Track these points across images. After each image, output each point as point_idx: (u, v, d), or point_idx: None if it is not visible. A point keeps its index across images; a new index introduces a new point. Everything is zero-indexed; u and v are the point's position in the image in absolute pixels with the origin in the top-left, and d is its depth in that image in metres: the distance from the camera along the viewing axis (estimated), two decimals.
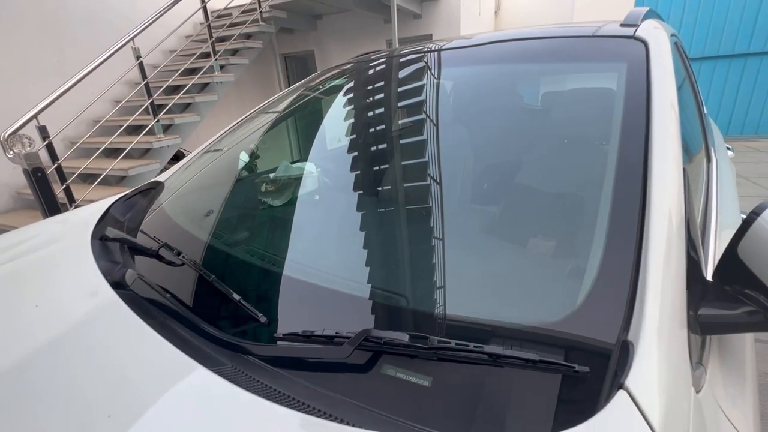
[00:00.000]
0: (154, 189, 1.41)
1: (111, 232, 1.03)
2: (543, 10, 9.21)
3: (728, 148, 1.88)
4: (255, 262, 0.77)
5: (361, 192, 1.03)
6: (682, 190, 0.62)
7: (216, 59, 4.11)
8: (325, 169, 1.34)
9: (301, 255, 0.77)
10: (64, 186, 2.82)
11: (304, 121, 1.88)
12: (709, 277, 0.59)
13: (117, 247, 0.99)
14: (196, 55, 4.28)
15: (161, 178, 1.50)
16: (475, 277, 0.66)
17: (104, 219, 1.21)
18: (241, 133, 1.60)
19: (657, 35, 0.91)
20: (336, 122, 1.52)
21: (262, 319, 0.58)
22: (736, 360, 0.56)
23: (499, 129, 1.05)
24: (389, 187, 1.03)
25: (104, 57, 3.04)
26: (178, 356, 0.53)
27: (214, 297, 0.67)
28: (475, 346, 0.45)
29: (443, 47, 1.46)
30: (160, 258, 0.83)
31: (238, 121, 1.66)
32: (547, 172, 0.83)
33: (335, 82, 1.66)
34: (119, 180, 3.48)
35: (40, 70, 3.68)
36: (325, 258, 0.77)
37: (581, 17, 7.87)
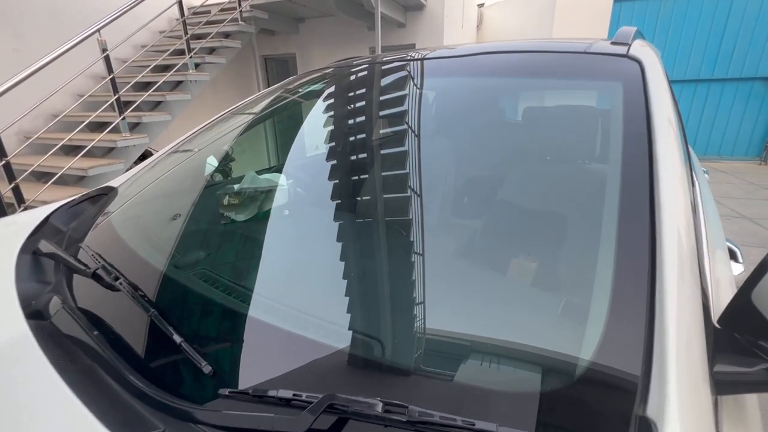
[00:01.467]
0: (105, 195, 1.27)
1: (44, 245, 0.89)
2: (522, 25, 9.46)
3: (704, 171, 1.91)
4: (206, 293, 0.66)
5: (336, 211, 0.93)
6: (692, 220, 0.57)
7: (191, 57, 3.93)
8: (297, 181, 1.24)
9: (262, 286, 0.67)
10: (13, 185, 2.58)
11: (277, 126, 1.77)
12: (715, 321, 0.53)
13: (50, 266, 0.86)
14: (168, 52, 4.08)
15: (115, 182, 1.36)
16: (469, 331, 0.57)
17: (42, 228, 1.07)
18: (209, 136, 1.48)
19: (649, 55, 0.88)
20: (312, 129, 1.43)
21: (206, 369, 0.48)
22: (754, 424, 0.51)
23: (487, 147, 0.99)
24: (367, 206, 0.95)
25: (66, 47, 2.82)
26: (87, 421, 0.42)
27: (151, 337, 0.56)
28: (463, 421, 0.37)
29: (427, 56, 1.40)
30: (98, 281, 0.71)
31: (206, 123, 1.54)
32: (543, 198, 0.77)
33: (313, 87, 1.57)
34: (78, 180, 3.23)
35: None
36: (289, 291, 0.67)
37: (560, 34, 8.11)
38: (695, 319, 0.46)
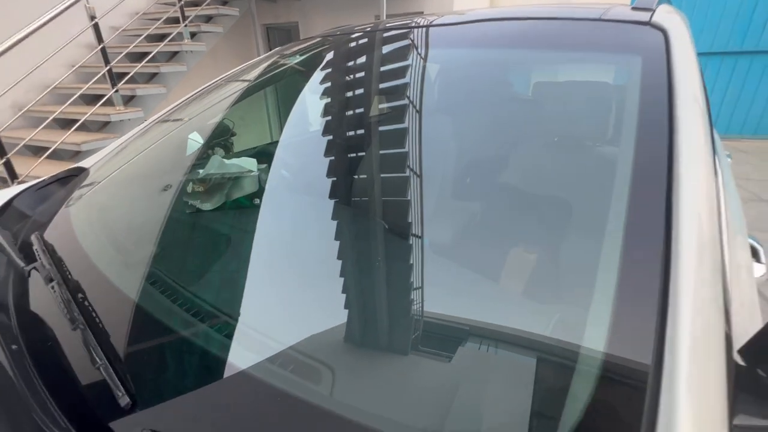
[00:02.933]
0: (76, 177, 1.19)
1: None
2: None
3: (727, 155, 1.76)
4: (149, 304, 0.58)
5: (329, 197, 0.84)
6: (715, 220, 0.47)
7: (185, 25, 3.75)
8: (286, 161, 1.15)
9: (218, 297, 0.59)
10: (4, 159, 2.53)
11: (266, 101, 1.66)
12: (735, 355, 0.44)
13: (3, 259, 0.79)
14: (162, 19, 3.90)
15: (89, 161, 1.28)
16: (469, 322, 0.51)
17: (2, 213, 1.00)
18: (192, 110, 1.38)
19: (676, 23, 0.75)
20: (303, 105, 1.32)
21: (123, 401, 0.41)
22: None
23: (493, 125, 0.88)
24: (363, 187, 0.86)
25: (52, 14, 2.69)
26: None
27: (73, 354, 0.49)
28: None
29: (432, 23, 1.26)
30: (49, 280, 0.64)
31: (187, 96, 1.44)
32: (551, 182, 0.68)
33: (306, 57, 1.44)
34: (73, 155, 3.17)
35: None
36: (246, 311, 0.58)
37: None
38: (716, 353, 0.38)
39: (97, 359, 0.44)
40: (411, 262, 0.67)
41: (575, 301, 0.50)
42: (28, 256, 0.71)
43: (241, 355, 0.48)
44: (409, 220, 0.76)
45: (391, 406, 0.44)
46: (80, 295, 0.59)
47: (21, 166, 2.74)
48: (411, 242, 0.71)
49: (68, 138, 2.96)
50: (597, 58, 0.76)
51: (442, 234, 0.73)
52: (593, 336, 0.42)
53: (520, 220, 0.69)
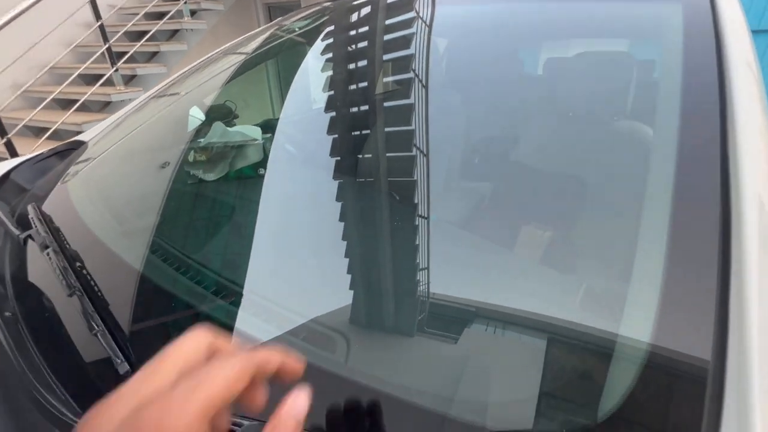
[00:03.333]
0: (74, 150, 1.15)
1: None
2: None
3: None
4: (151, 272, 0.55)
5: (331, 172, 0.80)
6: None
7: (185, 2, 3.65)
8: (284, 138, 1.11)
9: (222, 266, 0.56)
10: (5, 140, 2.49)
11: (267, 75, 1.60)
12: None
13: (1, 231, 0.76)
14: None
15: (87, 135, 1.24)
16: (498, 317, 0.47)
17: (1, 186, 0.97)
18: (192, 84, 1.32)
19: None
20: (305, 79, 1.27)
21: (122, 368, 0.38)
22: None
23: (510, 99, 0.83)
24: (367, 166, 0.82)
25: None
26: None
27: (70, 321, 0.46)
28: None
29: None
30: (45, 247, 0.61)
31: (186, 69, 1.38)
32: (584, 162, 0.63)
33: (308, 28, 1.38)
34: (74, 135, 3.12)
35: None
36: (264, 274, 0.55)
37: None
38: None
39: (95, 326, 0.42)
40: (420, 239, 0.64)
41: (616, 286, 0.46)
42: (25, 225, 0.68)
43: (243, 323, 0.45)
44: (416, 199, 0.73)
45: (402, 386, 0.41)
46: (78, 264, 0.56)
47: (22, 146, 2.71)
48: (420, 218, 0.68)
49: (69, 118, 2.92)
50: (629, 10, 0.69)
51: (466, 211, 0.69)
52: (638, 325, 0.38)
53: (561, 199, 0.64)
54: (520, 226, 0.63)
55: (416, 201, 0.72)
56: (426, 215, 0.69)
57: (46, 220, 0.69)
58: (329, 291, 0.57)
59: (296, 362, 0.25)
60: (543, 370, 0.39)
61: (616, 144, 0.68)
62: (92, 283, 0.52)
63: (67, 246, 0.60)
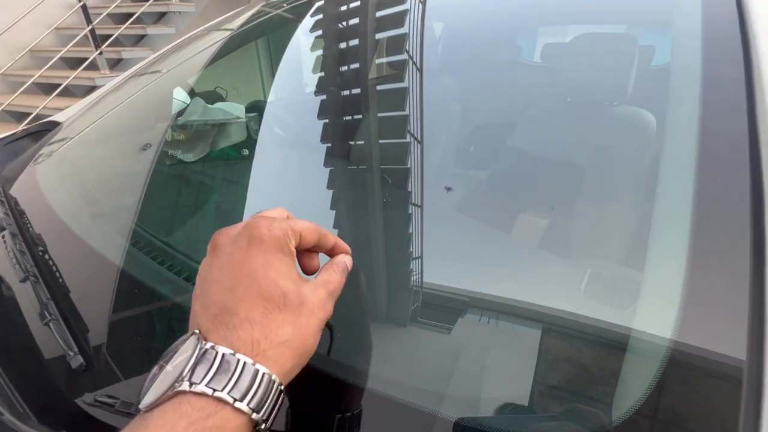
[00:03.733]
0: (48, 132, 1.09)
1: None
2: None
3: None
4: (116, 257, 0.50)
5: (322, 156, 0.76)
6: None
7: None
8: (272, 121, 1.05)
9: (184, 249, 0.51)
10: None
11: (256, 53, 1.53)
12: None
13: None
14: None
15: (62, 115, 1.17)
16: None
17: None
18: (174, 62, 1.26)
19: None
20: (295, 60, 1.21)
21: (75, 361, 0.34)
22: None
23: (509, 85, 0.79)
24: (359, 152, 0.78)
25: None
26: None
27: (19, 307, 0.41)
28: None
29: None
30: (1, 231, 0.56)
31: (168, 47, 1.31)
32: (596, 148, 0.60)
33: (296, 4, 1.31)
34: None
35: None
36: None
37: None
38: None
39: (47, 314, 0.37)
40: (414, 227, 0.61)
41: (629, 275, 0.42)
42: None
43: None
44: (410, 186, 0.69)
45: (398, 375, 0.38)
46: (40, 248, 0.51)
47: (3, 131, 2.62)
48: (413, 206, 0.65)
49: (51, 103, 2.82)
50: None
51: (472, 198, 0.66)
52: (655, 318, 0.34)
53: (579, 181, 0.60)
54: (517, 214, 0.60)
55: (410, 188, 0.69)
56: (419, 203, 0.66)
57: (10, 202, 0.63)
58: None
59: (346, 246, 0.32)
60: (545, 363, 0.38)
61: (627, 130, 0.65)
62: (54, 269, 0.48)
63: (30, 229, 0.56)
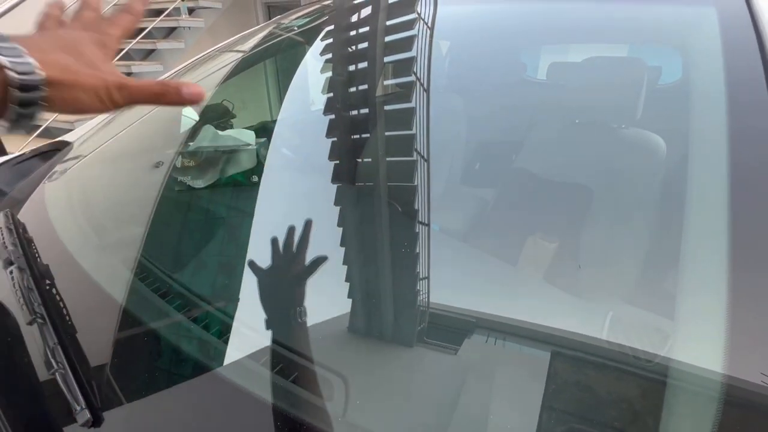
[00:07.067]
0: (58, 152, 1.09)
1: None
2: None
3: None
4: (125, 295, 0.49)
5: (331, 180, 0.76)
6: None
7: (182, 0, 3.59)
8: (280, 142, 1.05)
9: (209, 287, 0.51)
10: None
11: (264, 75, 1.55)
12: None
13: None
14: None
15: (73, 135, 1.18)
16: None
17: None
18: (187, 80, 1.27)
19: None
20: (303, 81, 1.22)
21: (81, 417, 0.32)
22: None
23: (516, 104, 0.79)
24: (367, 186, 0.77)
25: None
26: None
27: (28, 355, 0.40)
28: None
29: None
30: (9, 264, 0.55)
31: (180, 67, 1.33)
32: (609, 171, 0.59)
33: (307, 27, 1.33)
34: (65, 133, 3.06)
35: None
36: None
37: None
38: None
39: (54, 363, 0.36)
40: (423, 249, 0.61)
41: (644, 301, 0.41)
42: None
43: (236, 364, 0.39)
44: (417, 205, 0.69)
45: (400, 403, 0.37)
46: (47, 282, 0.50)
47: (11, 143, 2.64)
48: (421, 228, 0.65)
49: (60, 116, 2.85)
50: (658, 14, 0.65)
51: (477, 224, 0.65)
52: (674, 341, 0.33)
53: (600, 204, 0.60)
54: (523, 235, 0.60)
55: (417, 208, 0.69)
56: (426, 222, 0.66)
57: (18, 231, 0.63)
58: (328, 299, 0.54)
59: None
60: (546, 383, 0.37)
61: (638, 150, 0.64)
62: (61, 307, 0.47)
63: (38, 261, 0.55)
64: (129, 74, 3.34)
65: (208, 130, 0.82)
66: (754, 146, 0.40)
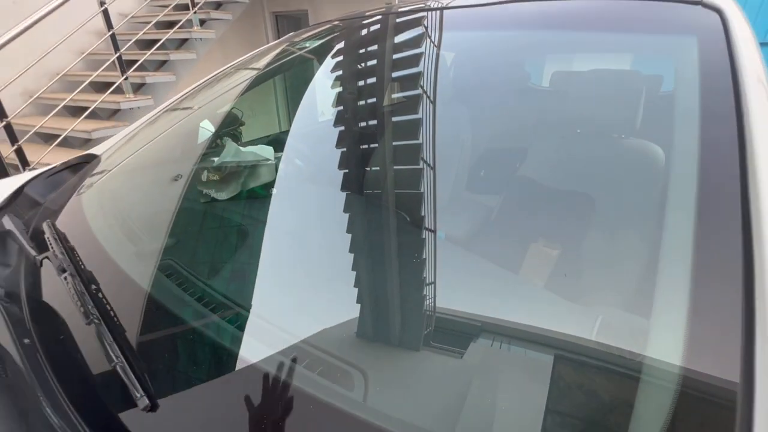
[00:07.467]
0: (87, 164, 1.16)
1: (7, 221, 0.80)
2: None
3: None
4: (165, 297, 0.55)
5: (342, 189, 0.81)
6: None
7: (195, 12, 3.70)
8: (293, 154, 1.11)
9: (237, 290, 0.56)
10: (15, 147, 2.52)
11: (277, 89, 1.62)
12: None
13: (14, 246, 0.77)
14: (171, 6, 3.85)
15: (99, 149, 1.25)
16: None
17: (15, 200, 0.98)
18: (202, 98, 1.34)
19: (730, 2, 0.69)
20: (313, 95, 1.28)
21: (141, 402, 0.38)
22: None
23: (521, 120, 0.83)
24: (377, 196, 0.82)
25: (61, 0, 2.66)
26: None
27: (88, 350, 0.46)
28: None
29: (447, 5, 1.21)
30: (46, 269, 0.62)
31: (198, 83, 1.40)
32: (602, 179, 0.63)
33: (318, 44, 1.39)
34: (83, 143, 3.17)
35: None
36: (275, 299, 0.55)
37: None
38: None
39: (113, 357, 0.42)
40: (429, 255, 0.64)
41: (637, 306, 0.46)
42: (40, 244, 0.69)
43: (268, 355, 0.45)
44: (424, 213, 0.73)
45: (408, 405, 0.41)
46: (94, 287, 0.56)
47: (32, 153, 2.74)
48: (427, 235, 0.68)
49: (78, 125, 2.95)
50: (645, 41, 0.70)
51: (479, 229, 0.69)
52: (660, 347, 0.38)
53: (578, 215, 0.64)
54: (527, 242, 0.62)
55: (423, 215, 0.72)
56: (433, 229, 0.69)
57: (62, 240, 0.69)
58: (337, 305, 0.57)
59: None
60: (549, 386, 0.39)
61: (629, 161, 0.67)
62: (109, 308, 0.53)
63: (83, 268, 0.61)
64: (143, 84, 3.44)
65: (231, 146, 0.88)
66: (716, 152, 0.44)
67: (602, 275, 0.58)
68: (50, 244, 0.65)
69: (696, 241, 0.39)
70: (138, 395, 0.38)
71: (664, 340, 0.40)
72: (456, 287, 0.58)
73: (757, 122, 0.44)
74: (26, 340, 0.47)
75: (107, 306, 0.53)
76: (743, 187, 0.40)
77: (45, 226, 0.74)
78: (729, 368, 0.33)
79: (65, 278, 0.55)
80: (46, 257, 0.61)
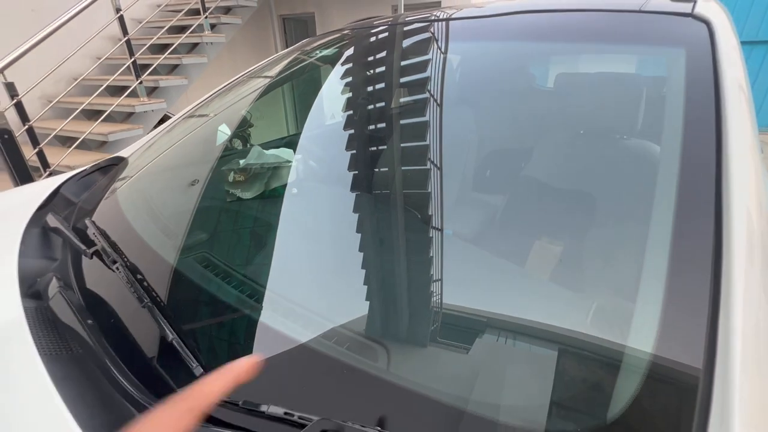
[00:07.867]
0: (115, 166, 1.24)
1: (51, 219, 0.88)
2: None
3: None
4: (208, 284, 0.62)
5: (352, 188, 0.87)
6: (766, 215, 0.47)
7: (206, 17, 3.79)
8: (310, 154, 1.18)
9: (270, 278, 0.63)
10: (37, 150, 2.62)
11: (292, 93, 1.69)
12: None
13: (58, 242, 0.84)
14: (183, 12, 3.94)
15: (126, 152, 1.33)
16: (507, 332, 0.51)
17: (53, 200, 1.05)
18: (222, 102, 1.41)
19: (719, 14, 0.74)
20: (327, 98, 1.35)
21: (197, 371, 0.45)
22: None
23: (523, 124, 0.88)
24: (384, 181, 0.88)
25: (79, 7, 2.75)
26: (63, 419, 0.40)
27: (144, 330, 0.53)
28: None
29: (452, 16, 1.26)
30: (96, 262, 0.69)
31: (219, 88, 1.47)
32: (591, 177, 0.67)
33: (328, 51, 1.46)
34: (99, 145, 3.27)
35: (12, 21, 3.38)
36: (300, 285, 0.62)
37: None
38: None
39: (170, 334, 0.48)
40: (435, 251, 0.68)
41: (619, 299, 0.51)
42: (85, 239, 0.76)
43: (278, 324, 0.51)
44: (432, 211, 0.77)
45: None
46: (139, 276, 0.63)
47: (51, 155, 2.84)
48: (435, 233, 0.72)
49: (95, 129, 3.05)
50: (637, 51, 0.76)
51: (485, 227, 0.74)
52: (638, 335, 0.43)
53: (558, 214, 0.68)
54: (532, 239, 0.65)
55: (431, 213, 0.76)
56: (440, 227, 0.73)
57: (104, 235, 0.76)
58: (347, 301, 0.61)
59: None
60: (553, 379, 0.42)
61: (621, 162, 0.71)
62: (155, 294, 0.59)
63: (127, 259, 0.68)
64: (155, 88, 3.54)
65: (255, 149, 0.95)
66: (696, 154, 0.50)
67: (603, 271, 0.61)
68: (98, 238, 0.72)
69: (673, 239, 0.44)
70: (193, 365, 0.45)
71: (642, 331, 0.43)
72: (462, 282, 0.61)
73: (734, 127, 0.49)
74: (89, 321, 0.54)
75: (154, 292, 0.60)
76: (717, 186, 0.46)
77: (88, 222, 0.82)
78: (693, 356, 0.38)
79: (117, 268, 0.61)
80: (97, 251, 0.67)
